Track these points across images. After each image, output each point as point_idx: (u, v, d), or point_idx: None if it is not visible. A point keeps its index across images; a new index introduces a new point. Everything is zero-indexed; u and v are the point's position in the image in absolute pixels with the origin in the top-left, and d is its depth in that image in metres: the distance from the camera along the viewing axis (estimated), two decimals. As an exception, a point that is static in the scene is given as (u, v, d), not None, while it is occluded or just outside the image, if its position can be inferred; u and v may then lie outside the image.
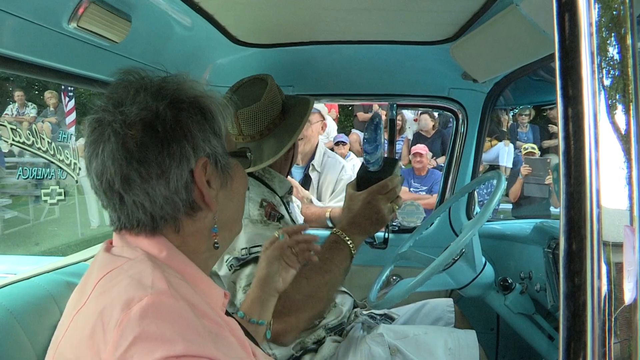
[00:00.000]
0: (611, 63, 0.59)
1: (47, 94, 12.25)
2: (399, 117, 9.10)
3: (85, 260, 1.81)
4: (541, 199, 7.21)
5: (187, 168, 1.04)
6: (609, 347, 0.61)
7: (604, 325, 0.60)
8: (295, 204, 2.82)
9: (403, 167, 8.73)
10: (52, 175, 7.53)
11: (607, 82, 0.59)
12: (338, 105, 10.61)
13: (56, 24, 1.60)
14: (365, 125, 1.89)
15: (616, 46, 0.58)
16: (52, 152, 7.31)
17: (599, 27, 0.57)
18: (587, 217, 0.60)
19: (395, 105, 3.13)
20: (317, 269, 1.92)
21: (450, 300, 2.72)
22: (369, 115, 9.64)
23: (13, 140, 6.73)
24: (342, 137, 8.72)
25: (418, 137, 8.93)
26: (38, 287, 1.44)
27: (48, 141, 7.37)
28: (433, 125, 8.85)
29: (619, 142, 0.60)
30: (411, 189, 7.37)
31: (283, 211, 2.12)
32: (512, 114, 10.32)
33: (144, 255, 1.02)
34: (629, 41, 0.57)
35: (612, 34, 0.58)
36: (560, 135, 0.60)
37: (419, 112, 9.09)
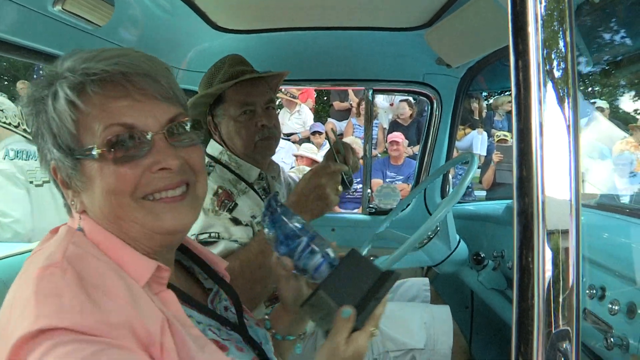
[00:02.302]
0: (559, 56, 0.63)
1: (19, 84, 12.05)
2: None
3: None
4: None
5: None
6: (556, 325, 0.65)
7: (549, 306, 0.65)
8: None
9: (379, 155, 8.79)
10: (36, 157, 7.51)
11: (556, 74, 0.62)
12: (315, 95, 10.66)
13: (41, 6, 1.63)
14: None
15: (561, 40, 0.63)
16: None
17: (545, 22, 0.62)
18: (533, 206, 0.64)
19: (371, 90, 3.20)
20: (253, 250, 1.90)
21: (426, 280, 2.81)
22: (346, 104, 9.66)
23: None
24: (319, 127, 8.73)
25: (395, 125, 8.95)
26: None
27: (34, 123, 7.35)
28: (411, 114, 8.86)
29: (561, 138, 0.64)
30: (386, 180, 7.35)
31: (243, 200, 2.11)
32: (487, 102, 10.46)
33: (68, 231, 1.08)
34: (568, 37, 0.62)
35: (560, 29, 0.63)
36: (514, 136, 0.65)
37: (399, 99, 9.08)
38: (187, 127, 1.13)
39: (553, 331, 0.61)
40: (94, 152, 1.03)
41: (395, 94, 8.12)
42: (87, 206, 1.09)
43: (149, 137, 1.05)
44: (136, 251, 1.09)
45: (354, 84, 3.50)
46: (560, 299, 0.62)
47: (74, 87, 1.03)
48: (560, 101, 0.60)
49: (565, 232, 0.63)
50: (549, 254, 0.63)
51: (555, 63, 0.60)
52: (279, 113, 9.03)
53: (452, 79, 3.04)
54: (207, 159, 2.23)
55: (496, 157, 7.62)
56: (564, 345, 0.60)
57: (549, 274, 0.63)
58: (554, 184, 0.61)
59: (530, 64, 0.58)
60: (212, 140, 2.29)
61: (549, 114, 0.60)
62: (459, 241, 2.45)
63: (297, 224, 1.29)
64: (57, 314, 0.86)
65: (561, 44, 0.59)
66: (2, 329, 0.90)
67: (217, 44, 2.75)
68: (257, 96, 2.17)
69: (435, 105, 3.15)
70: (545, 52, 0.61)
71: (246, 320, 1.35)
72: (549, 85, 0.60)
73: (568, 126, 0.61)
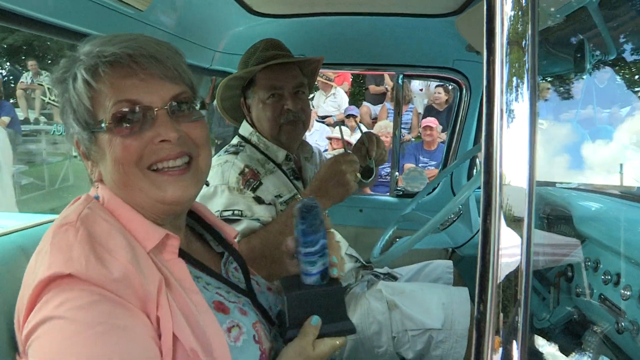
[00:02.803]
0: (522, 55, 0.68)
1: (62, 64, 12.39)
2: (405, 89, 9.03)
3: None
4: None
5: None
6: (510, 304, 0.69)
7: (503, 286, 0.69)
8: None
9: (413, 140, 8.78)
10: None
11: (519, 70, 0.67)
12: (351, 78, 10.66)
13: (88, -8, 1.73)
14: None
15: (527, 36, 0.67)
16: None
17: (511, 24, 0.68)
18: (493, 194, 0.69)
19: (402, 75, 3.26)
20: (272, 230, 2.03)
21: (449, 262, 2.88)
22: (382, 88, 9.64)
23: (49, 98, 7.06)
24: (353, 110, 8.76)
25: (430, 110, 8.90)
26: (10, 243, 1.42)
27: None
28: (446, 100, 8.80)
29: (521, 127, 0.68)
30: (419, 164, 7.37)
31: (269, 179, 2.22)
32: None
33: (86, 198, 1.24)
34: (529, 31, 0.67)
35: (528, 27, 0.67)
36: (484, 121, 0.70)
37: (435, 85, 9.04)
38: (190, 104, 1.25)
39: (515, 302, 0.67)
40: (103, 125, 1.16)
41: (430, 79, 8.08)
42: (103, 175, 1.23)
43: (152, 112, 1.17)
44: (145, 219, 1.21)
45: (385, 68, 3.58)
46: (516, 278, 0.68)
47: (88, 68, 1.17)
48: (521, 94, 0.66)
49: (520, 220, 0.69)
50: (505, 240, 0.69)
51: (518, 62, 0.66)
52: (313, 96, 9.11)
53: (482, 65, 3.07)
54: (238, 139, 2.35)
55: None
56: (519, 310, 0.67)
57: (505, 259, 0.69)
58: (513, 172, 0.67)
59: (496, 60, 0.65)
60: (244, 122, 2.39)
61: (511, 102, 0.66)
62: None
63: (322, 232, 1.34)
64: (65, 263, 1.02)
65: (524, 42, 0.65)
66: (31, 272, 1.09)
67: (252, 27, 2.83)
68: (286, 80, 2.25)
69: (464, 91, 3.19)
70: (509, 50, 0.67)
71: (257, 285, 1.46)
72: (513, 79, 0.66)
73: (526, 119, 0.67)
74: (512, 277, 0.67)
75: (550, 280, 2.36)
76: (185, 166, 1.23)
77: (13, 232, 1.45)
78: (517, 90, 0.65)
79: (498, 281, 0.67)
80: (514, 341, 0.67)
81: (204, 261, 1.33)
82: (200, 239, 1.48)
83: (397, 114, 3.41)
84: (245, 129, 2.37)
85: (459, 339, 2.28)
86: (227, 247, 1.48)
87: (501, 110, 0.63)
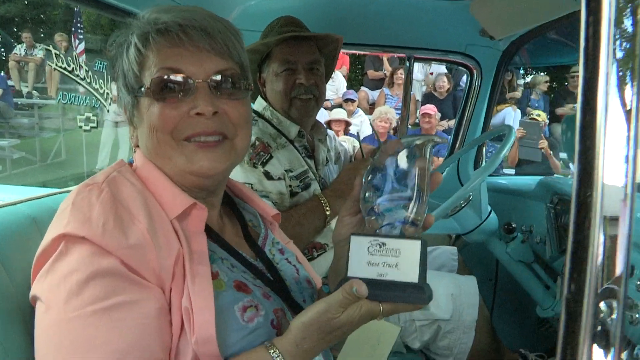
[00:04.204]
0: (625, 35, 0.63)
1: (57, 37, 12.20)
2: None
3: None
4: (537, 162, 7.13)
5: None
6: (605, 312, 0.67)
7: (597, 291, 0.67)
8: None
9: (410, 127, 8.76)
10: (86, 103, 7.84)
11: (619, 54, 0.62)
12: (349, 62, 10.60)
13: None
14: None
15: (631, 18, 0.62)
16: (88, 80, 7.57)
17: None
18: (593, 192, 0.65)
19: (412, 57, 3.21)
20: (291, 219, 2.08)
21: (454, 249, 2.87)
22: (380, 73, 9.61)
23: (57, 65, 7.03)
24: (351, 94, 8.75)
25: (429, 98, 8.90)
26: (20, 213, 1.37)
27: (86, 69, 7.59)
28: (448, 88, 8.79)
29: (624, 120, 0.64)
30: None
31: (281, 153, 2.22)
32: (524, 81, 10.34)
33: (119, 162, 1.25)
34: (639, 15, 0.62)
35: (629, 5, 0.62)
36: (578, 115, 0.66)
37: (437, 73, 9.03)
38: (235, 82, 1.22)
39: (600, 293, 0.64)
40: (143, 89, 1.17)
41: (444, 64, 7.99)
42: (139, 140, 1.25)
43: (192, 83, 1.16)
44: (175, 186, 1.20)
45: (396, 50, 3.52)
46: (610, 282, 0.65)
47: (140, 34, 1.18)
48: (623, 84, 0.62)
49: (616, 219, 0.65)
50: (601, 239, 0.66)
51: (620, 43, 0.62)
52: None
53: (495, 51, 3.03)
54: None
55: (518, 132, 7.46)
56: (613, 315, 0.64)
57: (600, 259, 0.65)
58: (612, 170, 0.63)
59: (601, 54, 0.60)
60: (258, 97, 2.37)
61: (613, 96, 0.62)
62: (490, 211, 2.48)
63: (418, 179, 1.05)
64: (83, 224, 1.02)
65: (629, 21, 0.61)
66: (51, 226, 1.10)
67: (262, 3, 2.76)
68: (301, 55, 2.25)
69: (475, 76, 3.14)
70: (615, 30, 0.62)
71: (296, 274, 1.42)
72: (614, 67, 0.62)
73: (629, 111, 0.63)
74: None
75: (556, 270, 2.35)
76: (219, 140, 1.20)
77: (23, 202, 1.41)
78: (618, 79, 0.60)
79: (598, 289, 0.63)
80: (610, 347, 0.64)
81: (236, 246, 1.30)
82: (240, 223, 1.44)
83: (405, 97, 3.36)
84: (259, 104, 2.37)
85: (466, 330, 2.28)
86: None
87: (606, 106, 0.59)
